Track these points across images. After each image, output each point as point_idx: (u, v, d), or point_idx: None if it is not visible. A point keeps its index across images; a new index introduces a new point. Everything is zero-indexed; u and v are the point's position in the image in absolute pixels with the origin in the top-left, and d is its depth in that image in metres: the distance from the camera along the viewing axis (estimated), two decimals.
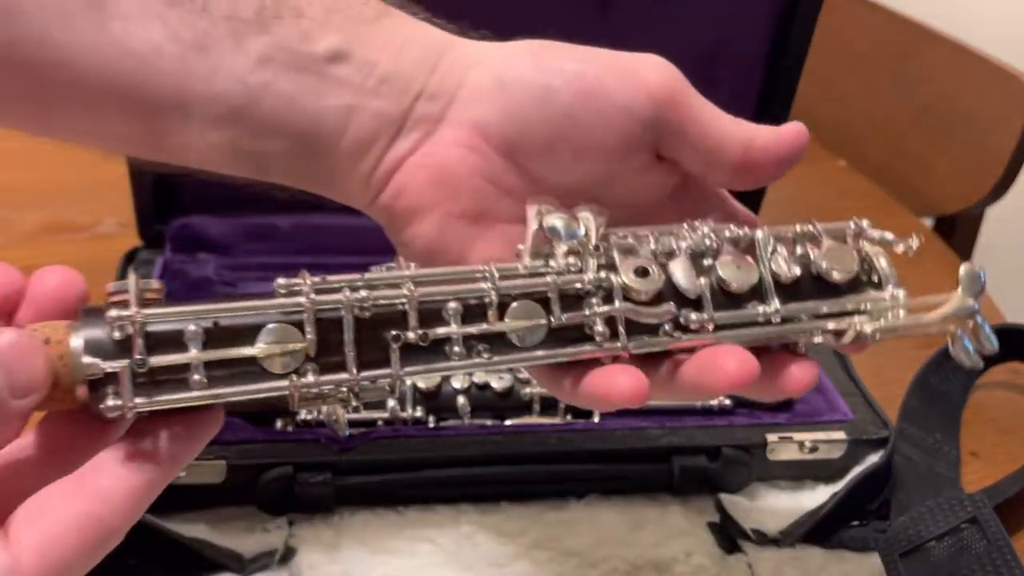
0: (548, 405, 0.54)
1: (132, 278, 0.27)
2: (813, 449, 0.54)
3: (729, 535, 0.52)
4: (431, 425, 0.53)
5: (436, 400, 0.53)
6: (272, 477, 0.49)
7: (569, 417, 0.54)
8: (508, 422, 0.53)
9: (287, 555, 0.49)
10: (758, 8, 0.66)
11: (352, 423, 0.51)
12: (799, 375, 0.32)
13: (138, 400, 0.27)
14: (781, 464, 0.54)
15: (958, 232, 0.99)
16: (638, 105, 0.32)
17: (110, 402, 0.26)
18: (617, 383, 0.30)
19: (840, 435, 0.54)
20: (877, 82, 1.07)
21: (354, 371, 0.29)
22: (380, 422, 0.52)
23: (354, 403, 0.30)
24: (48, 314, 0.28)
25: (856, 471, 0.54)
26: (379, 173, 0.34)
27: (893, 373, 0.64)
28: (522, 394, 0.53)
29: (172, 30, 0.31)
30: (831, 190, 0.94)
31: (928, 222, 0.97)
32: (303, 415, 0.52)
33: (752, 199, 0.73)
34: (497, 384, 0.53)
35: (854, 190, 0.95)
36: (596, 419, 0.54)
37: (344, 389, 0.29)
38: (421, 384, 0.53)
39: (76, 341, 0.27)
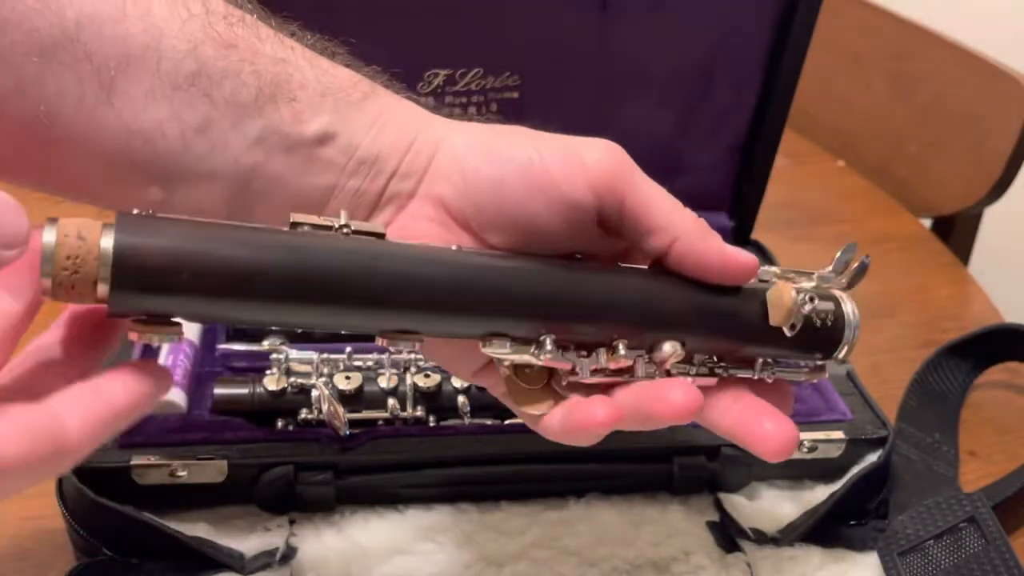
0: None
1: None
2: (812, 449, 0.54)
3: (728, 534, 0.52)
4: (431, 425, 0.53)
5: (436, 400, 0.53)
6: (273, 477, 0.49)
7: None
8: (508, 422, 0.53)
9: (288, 554, 0.49)
10: (758, 9, 0.66)
11: (352, 423, 0.51)
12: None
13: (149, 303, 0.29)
14: (780, 464, 0.54)
15: (956, 233, 0.99)
16: (579, 194, 0.34)
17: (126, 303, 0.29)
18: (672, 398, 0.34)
19: (839, 434, 0.54)
20: (876, 83, 1.07)
21: None
22: (380, 422, 0.52)
23: None
24: None
25: (855, 470, 0.54)
26: None
27: (891, 372, 0.64)
28: None
29: (176, 112, 0.33)
30: (830, 191, 0.95)
31: (927, 222, 0.97)
32: (303, 415, 0.52)
33: (751, 201, 0.73)
34: None
35: (853, 191, 0.95)
36: None
37: None
38: (421, 384, 0.53)
39: (106, 240, 0.28)
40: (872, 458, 0.54)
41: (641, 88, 0.67)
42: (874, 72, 1.07)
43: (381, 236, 0.33)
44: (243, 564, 0.48)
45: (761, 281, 0.38)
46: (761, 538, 0.52)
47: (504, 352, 0.34)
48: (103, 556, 0.47)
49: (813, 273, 0.40)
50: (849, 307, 0.38)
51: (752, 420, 0.35)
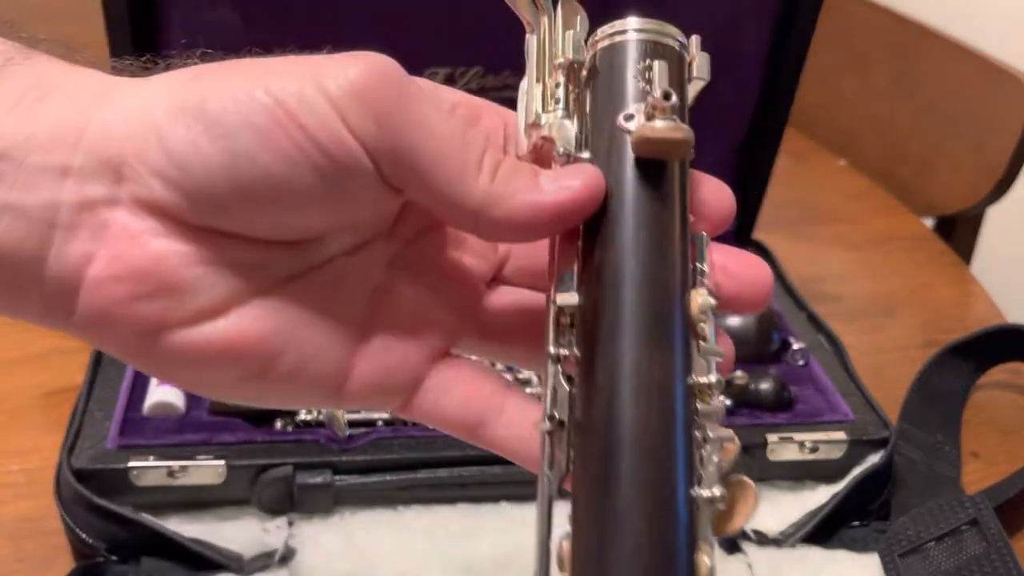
0: None
1: None
2: (814, 449, 0.54)
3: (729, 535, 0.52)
4: (430, 426, 0.53)
5: None
6: (271, 478, 0.49)
7: None
8: None
9: (287, 555, 0.49)
10: (759, 7, 0.65)
11: (352, 423, 0.51)
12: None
13: None
14: (782, 464, 0.54)
15: (958, 232, 0.99)
16: (339, 141, 0.24)
17: None
18: None
19: (840, 435, 0.54)
20: (877, 82, 1.06)
21: None
22: (380, 422, 0.52)
23: None
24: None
25: (856, 471, 0.54)
26: (52, 295, 0.24)
27: (893, 373, 0.64)
28: None
29: None
30: (832, 190, 0.94)
31: (929, 222, 0.97)
32: (303, 415, 0.52)
33: (753, 201, 0.73)
34: None
35: (855, 190, 0.94)
36: None
37: None
38: None
39: None
40: (874, 459, 0.54)
41: None
42: (876, 71, 1.07)
43: None
44: (241, 565, 0.47)
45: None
46: (762, 539, 0.52)
47: None
48: (101, 557, 0.47)
49: None
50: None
51: None
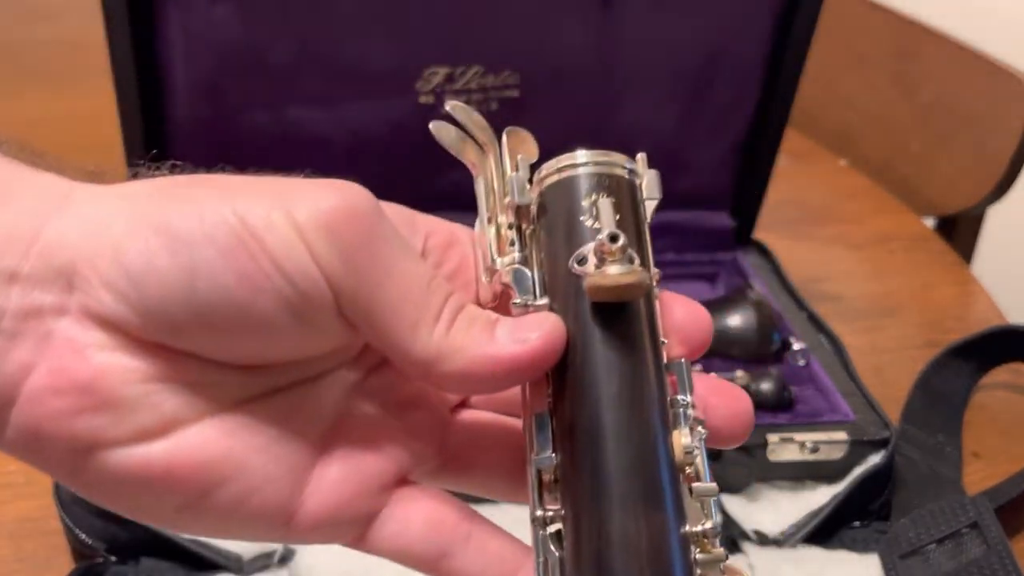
0: None
1: None
2: (814, 450, 0.53)
3: (730, 536, 0.52)
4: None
5: None
6: None
7: None
8: None
9: (286, 556, 0.49)
10: (759, 7, 0.65)
11: None
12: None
13: None
14: (782, 465, 0.54)
15: (959, 232, 0.99)
16: (302, 270, 0.23)
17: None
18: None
19: (841, 435, 0.54)
20: (878, 81, 1.06)
21: None
22: None
23: None
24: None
25: (857, 472, 0.54)
26: None
27: (894, 373, 0.64)
28: None
29: None
30: (832, 190, 0.94)
31: (930, 222, 0.97)
32: None
33: (753, 200, 0.73)
34: None
35: (855, 190, 0.94)
36: None
37: None
38: None
39: None
40: (875, 459, 0.54)
41: (642, 86, 0.67)
42: (877, 71, 1.07)
43: None
44: (241, 565, 0.47)
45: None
46: (763, 539, 0.51)
47: None
48: (101, 558, 0.47)
49: None
50: None
51: None
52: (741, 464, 0.53)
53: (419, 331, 0.24)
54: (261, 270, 0.23)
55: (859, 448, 0.54)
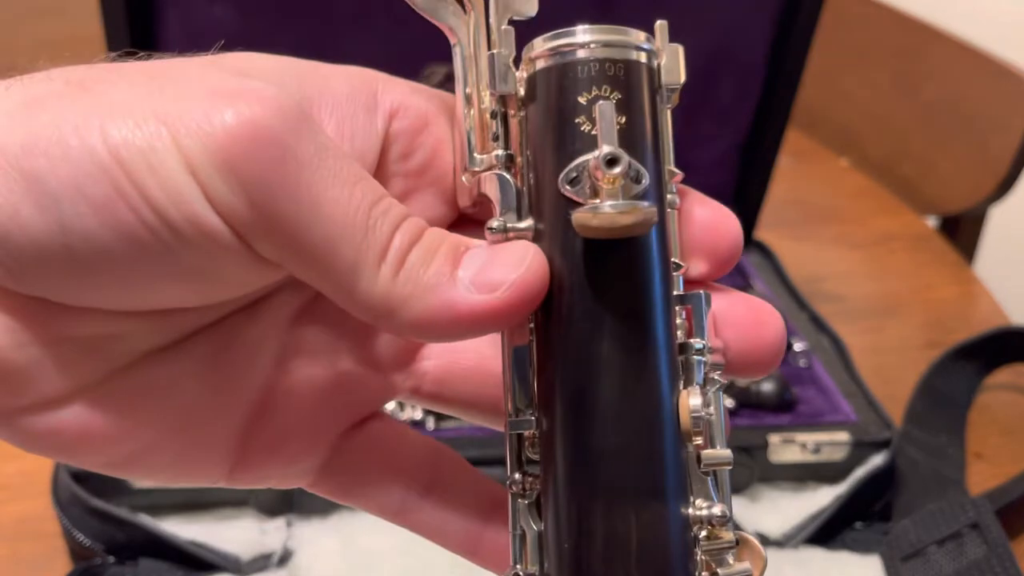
0: None
1: None
2: (816, 450, 0.53)
3: None
4: (430, 426, 0.53)
5: None
6: None
7: None
8: None
9: (285, 556, 0.48)
10: (760, 7, 0.65)
11: None
12: None
13: None
14: (784, 466, 0.54)
15: (961, 231, 0.99)
16: (188, 214, 0.19)
17: None
18: None
19: (843, 436, 0.54)
20: (880, 81, 1.06)
21: None
22: None
23: None
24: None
25: (859, 472, 0.53)
26: None
27: (896, 373, 0.64)
28: None
29: None
30: (834, 189, 0.94)
31: (931, 222, 0.97)
32: None
33: (754, 200, 0.73)
34: None
35: (857, 189, 0.94)
36: None
37: None
38: None
39: None
40: (876, 460, 0.54)
41: None
42: (878, 70, 1.07)
43: None
44: (240, 566, 0.47)
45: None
46: (764, 540, 0.51)
47: None
48: (99, 559, 0.47)
49: None
50: None
51: None
52: (742, 465, 0.53)
53: (360, 274, 0.19)
54: (144, 225, 0.18)
55: (861, 449, 0.54)
